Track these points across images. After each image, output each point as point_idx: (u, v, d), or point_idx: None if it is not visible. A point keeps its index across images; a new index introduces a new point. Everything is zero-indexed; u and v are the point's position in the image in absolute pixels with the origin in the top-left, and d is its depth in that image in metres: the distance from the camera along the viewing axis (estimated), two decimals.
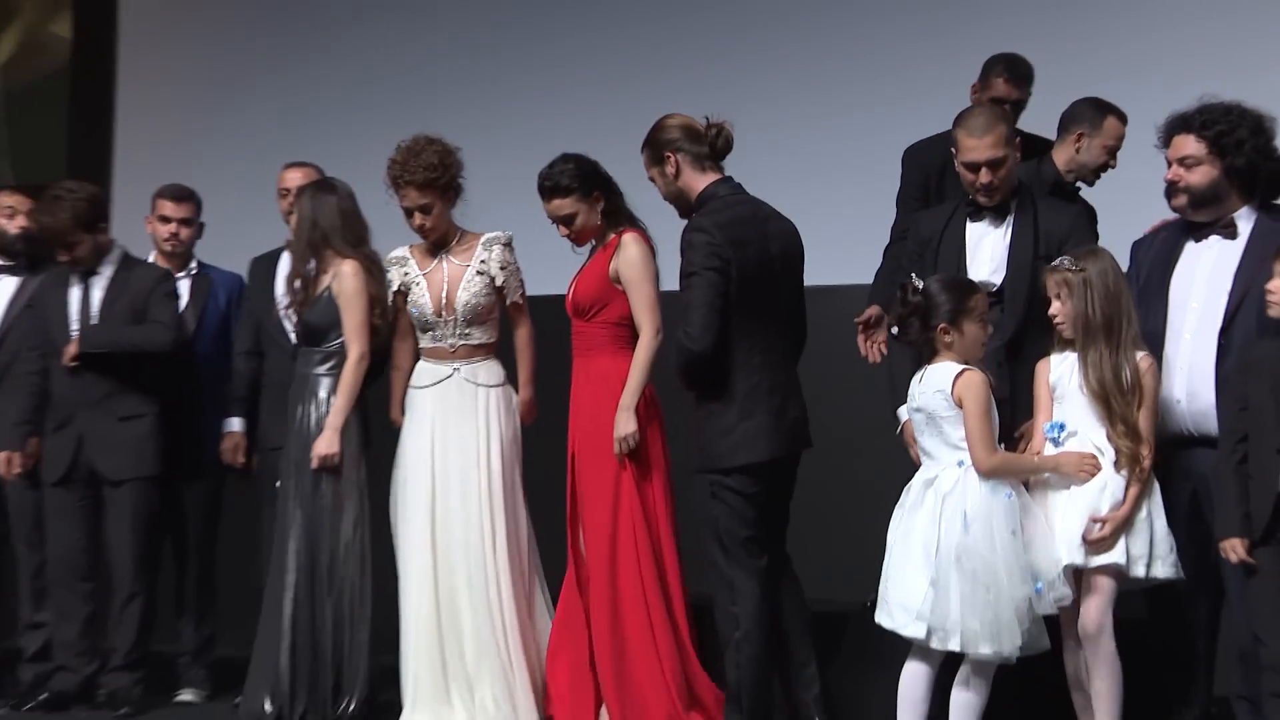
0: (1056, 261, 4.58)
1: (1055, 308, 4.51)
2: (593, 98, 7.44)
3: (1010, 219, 4.89)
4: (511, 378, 5.57)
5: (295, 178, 6.01)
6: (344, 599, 5.47)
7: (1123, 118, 5.60)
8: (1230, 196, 4.54)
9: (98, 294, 5.94)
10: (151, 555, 5.95)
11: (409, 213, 5.47)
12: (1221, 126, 4.50)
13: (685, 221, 5.06)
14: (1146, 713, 4.49)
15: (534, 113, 7.36)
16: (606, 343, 5.29)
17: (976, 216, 4.91)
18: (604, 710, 5.24)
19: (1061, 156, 5.59)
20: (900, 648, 4.64)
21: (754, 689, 4.78)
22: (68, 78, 8.76)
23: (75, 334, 5.88)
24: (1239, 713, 4.42)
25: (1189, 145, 4.53)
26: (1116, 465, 4.41)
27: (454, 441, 5.44)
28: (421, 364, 5.55)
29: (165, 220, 6.20)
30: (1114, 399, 4.41)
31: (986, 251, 4.88)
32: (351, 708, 5.40)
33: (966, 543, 4.37)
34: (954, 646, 4.34)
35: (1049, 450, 4.54)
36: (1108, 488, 4.40)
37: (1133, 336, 4.45)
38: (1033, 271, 4.79)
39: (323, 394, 5.55)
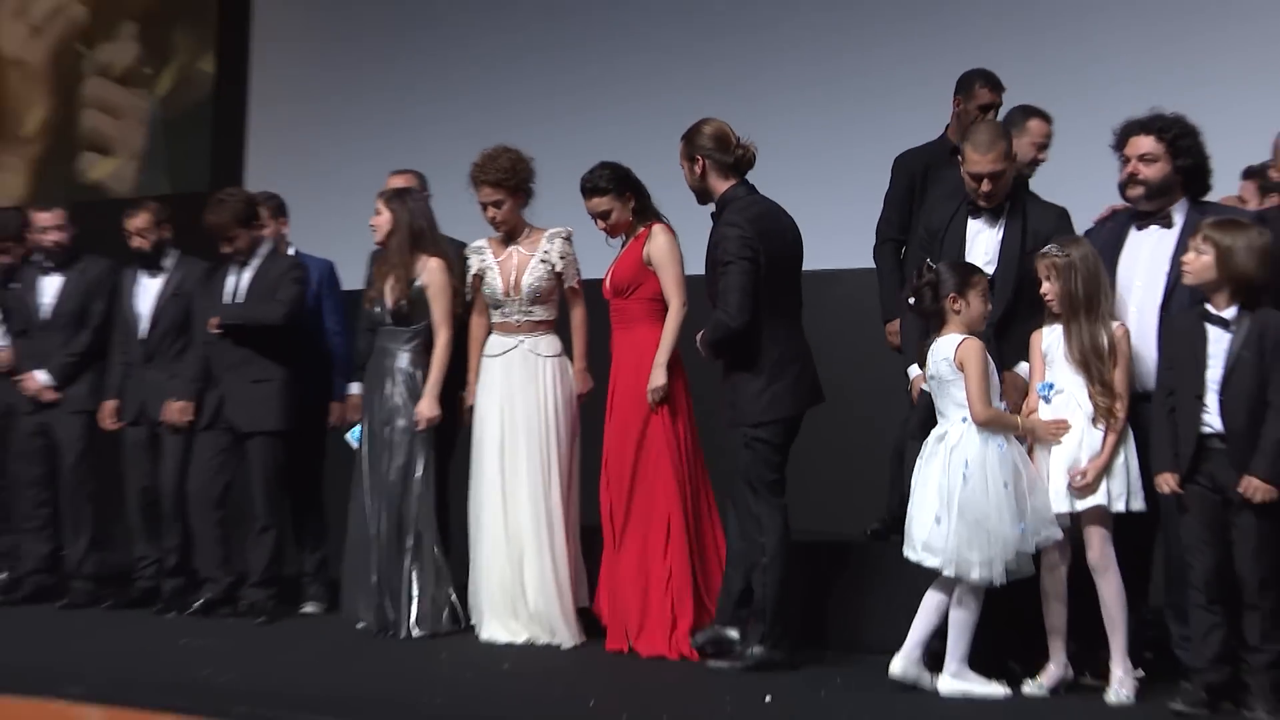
0: (1046, 249, 4.75)
1: (1045, 287, 4.70)
2: (631, 115, 7.59)
3: (1004, 218, 5.07)
4: (567, 349, 5.82)
5: (399, 181, 6.28)
6: (419, 532, 5.77)
7: (1046, 118, 5.74)
8: (1175, 190, 4.75)
9: (246, 278, 6.34)
10: (279, 495, 6.28)
11: (484, 207, 5.76)
12: (1175, 131, 4.70)
13: (692, 216, 5.36)
14: (1097, 620, 4.58)
15: (585, 126, 7.54)
16: (643, 316, 5.56)
17: (976, 214, 5.09)
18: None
19: None
20: (897, 574, 5.04)
21: (777, 607, 5.01)
22: (211, 106, 9.15)
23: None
24: (1168, 619, 4.66)
25: (1148, 144, 4.71)
26: (1094, 420, 4.61)
27: (519, 404, 5.71)
28: (493, 337, 5.83)
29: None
30: (1093, 363, 4.60)
31: (982, 245, 5.07)
32: (417, 619, 5.69)
33: (965, 491, 4.58)
34: (950, 572, 4.59)
35: (1041, 407, 4.72)
36: (1084, 440, 4.62)
37: (1109, 309, 4.65)
38: (1019, 264, 4.99)
39: (404, 365, 5.86)
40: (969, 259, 5.02)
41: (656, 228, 5.61)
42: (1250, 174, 5.64)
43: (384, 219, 5.89)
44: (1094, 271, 4.65)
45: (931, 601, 4.70)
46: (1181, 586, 4.48)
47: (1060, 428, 4.66)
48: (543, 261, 5.75)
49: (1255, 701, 4.25)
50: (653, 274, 5.54)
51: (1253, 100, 6.11)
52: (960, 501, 4.57)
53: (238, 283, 6.38)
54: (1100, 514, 4.59)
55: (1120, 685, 4.51)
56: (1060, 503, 4.61)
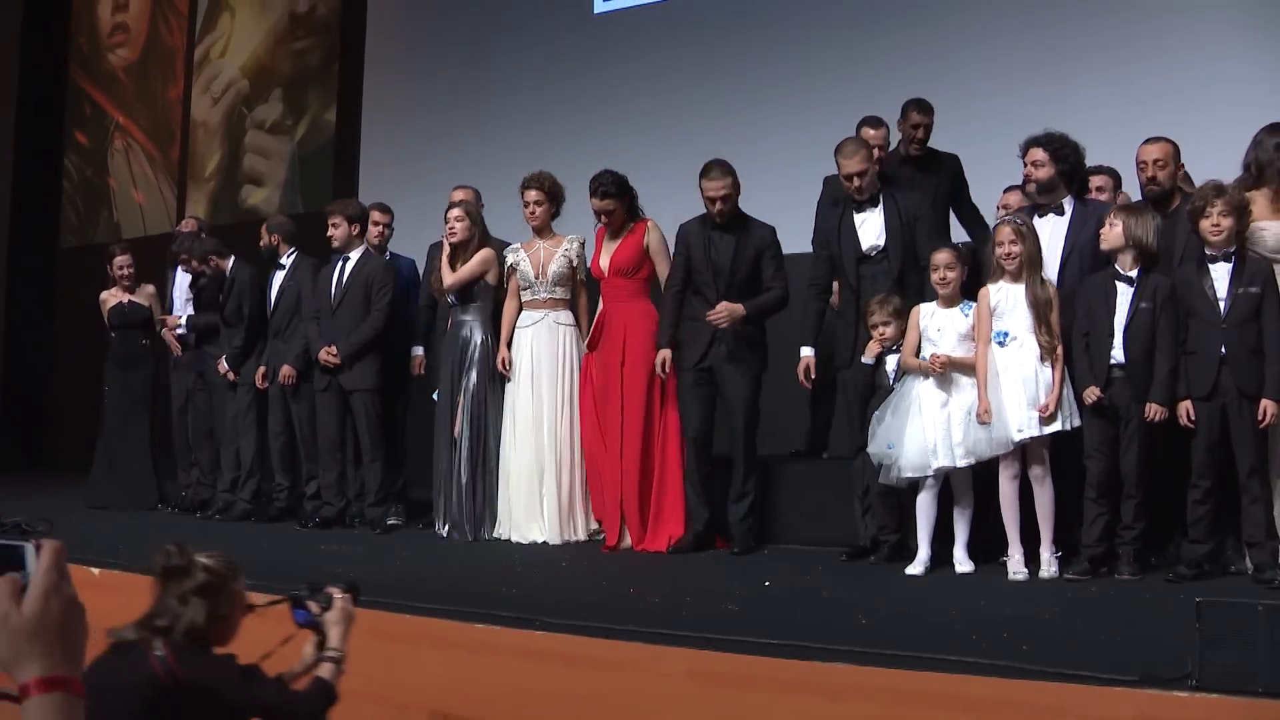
0: (1010, 216, 4.84)
1: (1009, 249, 4.68)
2: (637, 132, 7.67)
3: (880, 205, 5.33)
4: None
5: (459, 195, 6.46)
6: (487, 459, 6.04)
7: (876, 122, 5.93)
8: (1060, 187, 5.00)
9: (348, 271, 6.53)
10: (380, 436, 6.44)
11: (526, 204, 5.94)
12: (1057, 144, 4.97)
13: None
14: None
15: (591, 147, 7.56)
16: (639, 293, 5.82)
17: (859, 209, 5.34)
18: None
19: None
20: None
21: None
22: (333, 146, 9.59)
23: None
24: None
25: (1039, 154, 4.98)
26: (1041, 358, 4.63)
27: (546, 361, 5.93)
28: (524, 312, 6.03)
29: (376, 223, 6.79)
30: (1042, 311, 4.65)
31: (869, 227, 5.32)
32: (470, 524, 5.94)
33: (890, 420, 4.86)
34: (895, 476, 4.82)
35: (994, 351, 4.68)
36: (1039, 375, 4.64)
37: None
38: (901, 234, 5.24)
39: (474, 334, 6.12)
40: (862, 242, 5.26)
41: (652, 224, 5.81)
42: (1099, 171, 5.60)
43: (464, 225, 6.10)
44: (1037, 238, 4.79)
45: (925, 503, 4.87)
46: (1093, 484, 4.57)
47: (925, 366, 4.77)
48: (564, 256, 5.96)
49: (1123, 566, 4.51)
50: (650, 260, 5.78)
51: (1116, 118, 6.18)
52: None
53: (342, 274, 6.53)
54: (1046, 438, 4.62)
55: (1049, 565, 4.61)
56: (1027, 428, 4.59)
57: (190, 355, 7.53)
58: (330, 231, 6.62)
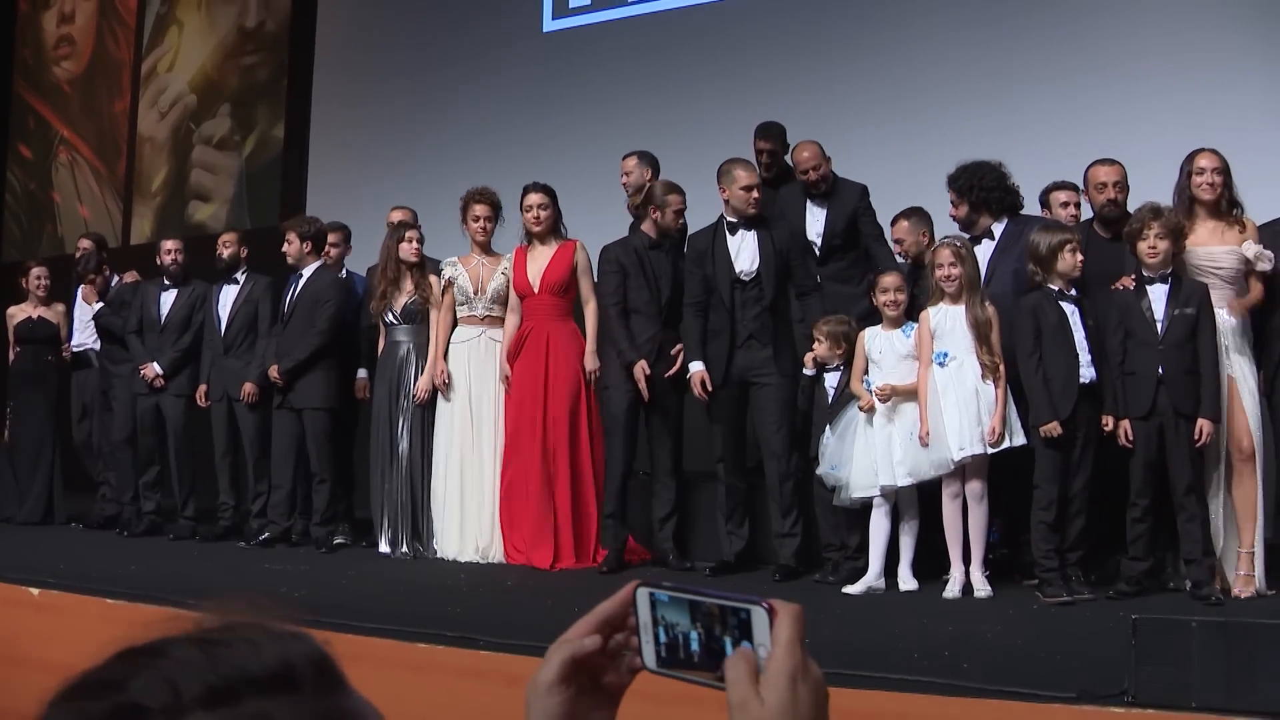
0: (950, 238, 4.81)
1: (949, 270, 4.66)
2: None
3: (754, 231, 5.28)
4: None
5: (397, 215, 6.45)
6: (421, 477, 5.98)
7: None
8: (982, 216, 5.10)
9: (299, 287, 6.44)
10: (330, 455, 6.34)
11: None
12: (959, 180, 5.10)
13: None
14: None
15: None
16: (566, 312, 5.79)
17: (733, 230, 5.30)
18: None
19: None
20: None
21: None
22: (280, 162, 9.53)
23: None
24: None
25: (951, 194, 5.20)
26: (983, 376, 4.63)
27: (481, 378, 5.88)
28: (460, 328, 5.95)
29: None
30: (984, 331, 4.64)
31: (746, 252, 5.27)
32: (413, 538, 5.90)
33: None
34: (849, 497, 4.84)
35: (935, 371, 4.68)
36: (980, 394, 4.63)
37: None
38: (775, 262, 5.24)
39: (411, 353, 6.06)
40: (736, 264, 5.26)
41: (580, 243, 5.78)
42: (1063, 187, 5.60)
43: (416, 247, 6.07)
44: (976, 260, 4.81)
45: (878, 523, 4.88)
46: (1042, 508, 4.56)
47: (879, 395, 4.77)
48: (502, 274, 5.90)
49: (1071, 586, 4.50)
50: (577, 280, 5.75)
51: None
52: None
53: (294, 291, 6.50)
54: (985, 457, 4.63)
55: (981, 586, 4.64)
56: (970, 446, 4.59)
57: (92, 371, 7.57)
58: (285, 248, 6.60)
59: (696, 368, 5.33)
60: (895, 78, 7.06)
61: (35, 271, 7.88)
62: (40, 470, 7.71)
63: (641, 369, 5.45)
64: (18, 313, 7.88)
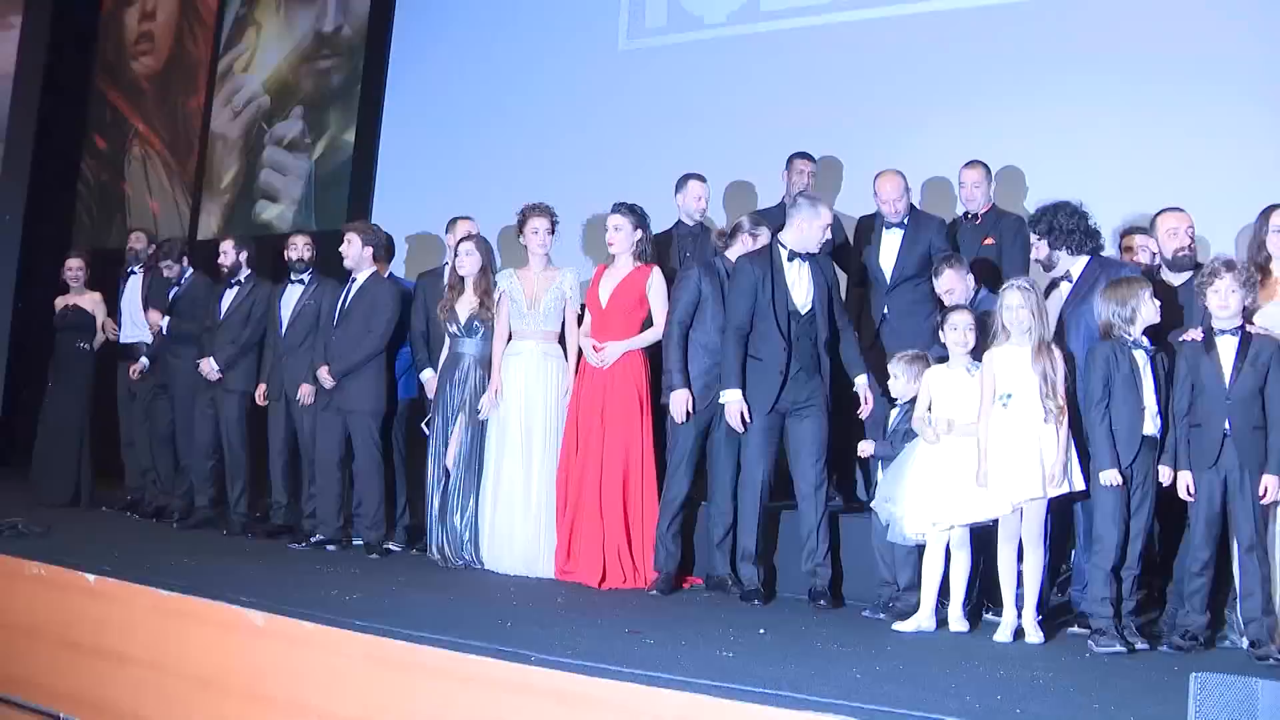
0: (1016, 281, 4.74)
1: (1015, 313, 4.64)
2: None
3: (808, 263, 5.33)
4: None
5: (464, 226, 6.49)
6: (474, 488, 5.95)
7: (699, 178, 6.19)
8: (1062, 258, 5.07)
9: (353, 293, 6.49)
10: (377, 459, 6.40)
11: (536, 231, 5.93)
12: (1038, 224, 5.07)
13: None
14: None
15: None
16: (634, 332, 5.73)
17: (790, 259, 5.29)
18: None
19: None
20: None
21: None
22: (350, 166, 9.53)
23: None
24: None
25: (1033, 238, 5.13)
26: (1045, 420, 4.59)
27: (535, 392, 5.90)
28: (514, 341, 5.95)
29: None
30: (1049, 374, 4.60)
31: (802, 284, 5.31)
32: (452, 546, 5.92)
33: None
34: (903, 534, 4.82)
35: (997, 410, 4.65)
36: (1041, 437, 4.59)
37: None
38: (827, 296, 5.32)
39: (472, 366, 6.06)
40: (793, 297, 5.28)
41: (657, 269, 5.78)
42: (1136, 231, 5.67)
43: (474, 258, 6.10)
44: (1043, 302, 4.77)
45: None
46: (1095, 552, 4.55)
47: (935, 431, 4.78)
48: (558, 288, 5.93)
49: (1122, 635, 4.46)
50: (647, 304, 5.74)
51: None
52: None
53: (348, 294, 6.55)
54: (1044, 502, 4.60)
55: (1034, 630, 4.58)
56: (1031, 489, 4.57)
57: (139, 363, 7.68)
58: (342, 248, 6.61)
59: (734, 396, 5.29)
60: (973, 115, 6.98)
61: (71, 262, 8.12)
62: (68, 453, 7.91)
63: (684, 399, 5.42)
64: (60, 302, 8.16)
